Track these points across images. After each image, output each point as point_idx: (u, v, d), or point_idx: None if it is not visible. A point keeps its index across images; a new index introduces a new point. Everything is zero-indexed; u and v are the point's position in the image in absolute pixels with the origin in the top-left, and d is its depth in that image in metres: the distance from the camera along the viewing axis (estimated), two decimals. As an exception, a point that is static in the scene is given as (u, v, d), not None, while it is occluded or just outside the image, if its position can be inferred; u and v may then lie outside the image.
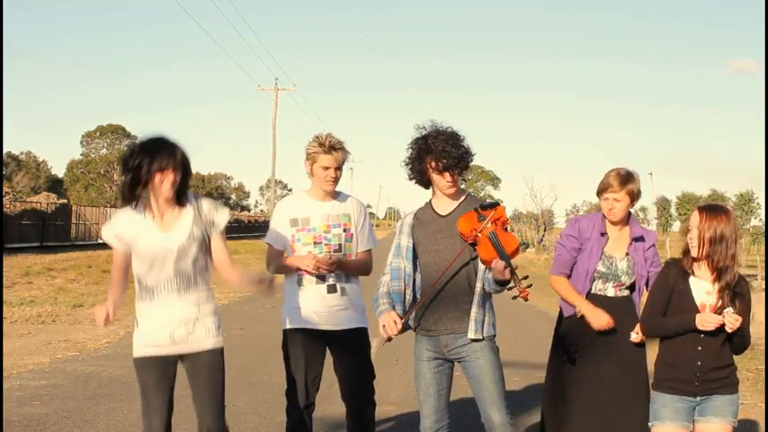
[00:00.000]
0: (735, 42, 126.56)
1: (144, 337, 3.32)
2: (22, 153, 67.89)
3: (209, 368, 3.36)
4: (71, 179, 65.26)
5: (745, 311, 3.29)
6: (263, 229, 39.88)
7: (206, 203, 3.37)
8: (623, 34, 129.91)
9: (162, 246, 3.25)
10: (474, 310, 3.39)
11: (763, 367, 7.82)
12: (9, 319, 10.49)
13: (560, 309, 4.04)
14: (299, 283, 3.89)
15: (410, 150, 3.52)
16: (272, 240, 3.97)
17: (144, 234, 3.26)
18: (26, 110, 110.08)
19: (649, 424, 3.40)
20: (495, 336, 3.48)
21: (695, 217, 3.31)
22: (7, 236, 23.97)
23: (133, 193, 3.22)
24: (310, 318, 3.84)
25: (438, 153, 3.38)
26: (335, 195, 3.98)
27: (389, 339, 3.38)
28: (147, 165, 3.13)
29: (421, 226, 3.55)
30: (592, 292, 3.91)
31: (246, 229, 52.94)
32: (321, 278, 3.85)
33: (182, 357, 3.36)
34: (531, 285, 3.18)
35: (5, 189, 29.17)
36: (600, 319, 3.76)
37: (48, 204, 31.47)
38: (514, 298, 3.23)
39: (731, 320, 3.19)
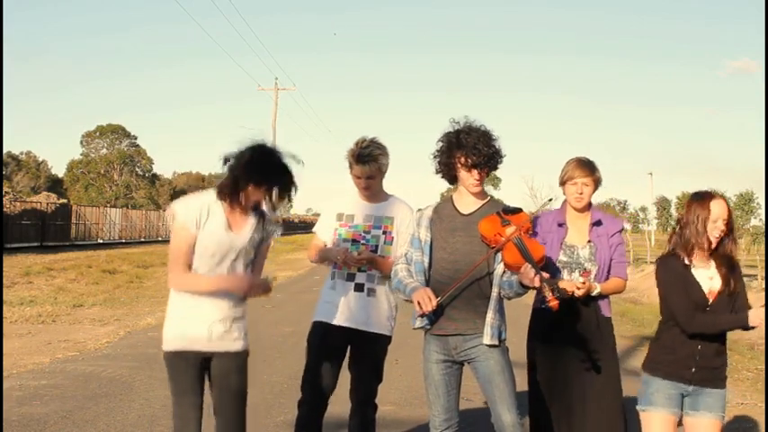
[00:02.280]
0: (734, 42, 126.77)
1: (179, 329, 3.23)
2: (22, 153, 67.93)
3: (238, 370, 3.36)
4: (71, 179, 65.39)
5: (741, 287, 3.33)
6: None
7: (269, 215, 3.42)
8: (623, 34, 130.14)
9: (227, 242, 3.27)
10: (490, 315, 3.37)
11: (763, 367, 7.82)
12: (9, 318, 10.47)
13: (533, 307, 4.03)
14: (332, 277, 3.96)
15: (440, 143, 3.48)
16: (318, 230, 4.12)
17: (213, 226, 3.28)
18: (26, 110, 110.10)
19: (640, 408, 3.38)
20: (505, 339, 3.49)
21: (723, 207, 3.27)
22: (7, 236, 23.99)
23: (234, 191, 3.22)
24: (335, 313, 3.88)
25: (469, 149, 3.36)
26: (385, 197, 4.02)
27: (423, 315, 3.36)
28: (248, 175, 3.15)
29: (440, 221, 3.51)
30: None
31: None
32: (351, 276, 3.89)
33: (211, 356, 3.31)
34: (560, 294, 3.16)
35: (5, 189, 29.20)
36: (569, 283, 3.74)
37: (48, 204, 31.50)
38: (543, 305, 3.22)
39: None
